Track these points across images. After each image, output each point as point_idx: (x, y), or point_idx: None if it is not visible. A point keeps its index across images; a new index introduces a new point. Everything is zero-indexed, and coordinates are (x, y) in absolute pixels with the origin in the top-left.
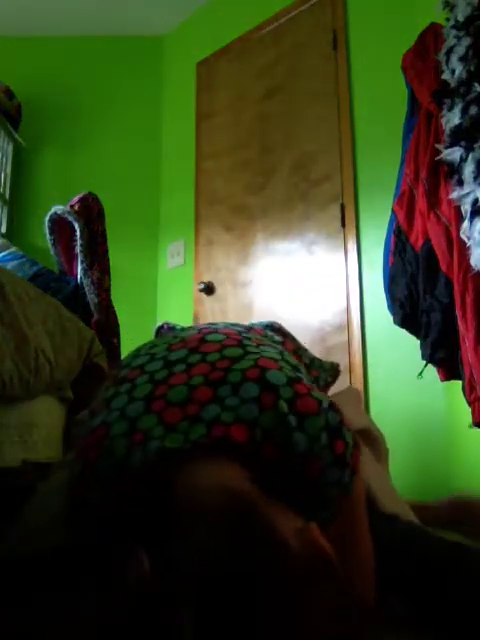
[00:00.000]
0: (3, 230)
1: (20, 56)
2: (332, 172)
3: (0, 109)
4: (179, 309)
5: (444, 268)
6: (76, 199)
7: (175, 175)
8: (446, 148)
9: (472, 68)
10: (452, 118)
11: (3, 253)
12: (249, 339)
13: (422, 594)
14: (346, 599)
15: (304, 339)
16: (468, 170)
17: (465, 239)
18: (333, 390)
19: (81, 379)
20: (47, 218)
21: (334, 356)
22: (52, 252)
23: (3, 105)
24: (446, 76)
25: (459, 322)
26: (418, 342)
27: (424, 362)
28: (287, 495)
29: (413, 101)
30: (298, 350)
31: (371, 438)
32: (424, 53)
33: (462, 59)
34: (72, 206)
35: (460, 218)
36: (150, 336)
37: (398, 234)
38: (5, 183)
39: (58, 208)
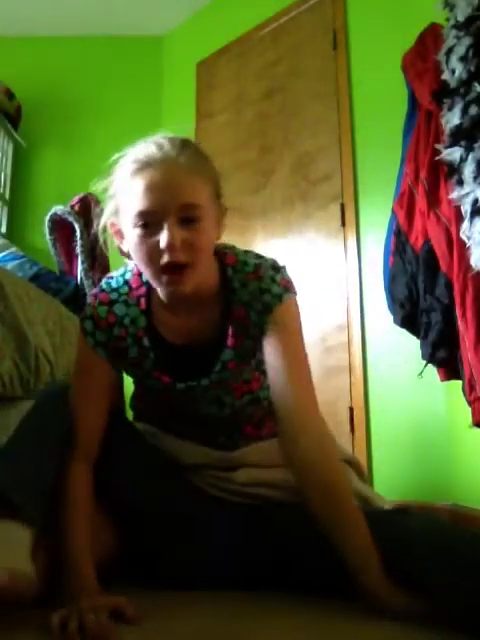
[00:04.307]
0: (3, 230)
1: (20, 56)
2: (332, 172)
3: (0, 109)
4: None
5: (444, 268)
6: (76, 199)
7: None
8: (446, 148)
9: (472, 68)
10: (452, 118)
11: (3, 253)
12: None
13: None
14: None
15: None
16: (468, 170)
17: (465, 239)
18: None
19: None
20: (47, 218)
21: (334, 356)
22: (52, 252)
23: (3, 105)
24: (446, 76)
25: (459, 322)
26: (418, 342)
27: (424, 362)
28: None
29: (413, 101)
30: None
31: (354, 463)
32: (424, 53)
33: (462, 59)
34: (72, 206)
35: (460, 218)
36: None
37: (398, 234)
38: (5, 183)
39: (58, 208)
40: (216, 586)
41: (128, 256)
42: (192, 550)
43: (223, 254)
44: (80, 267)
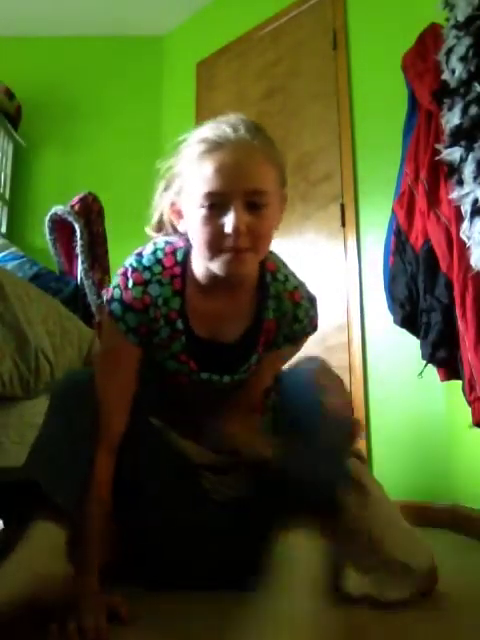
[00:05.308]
0: (3, 230)
1: (20, 56)
2: (332, 172)
3: (0, 109)
4: None
5: (444, 268)
6: (76, 199)
7: None
8: (446, 148)
9: (472, 68)
10: (452, 118)
11: (3, 253)
12: None
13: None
14: None
15: None
16: (468, 170)
17: (465, 239)
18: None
19: None
20: (47, 218)
21: (334, 356)
22: (52, 252)
23: (3, 105)
24: (446, 76)
25: (459, 322)
26: (418, 342)
27: (424, 362)
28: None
29: (413, 101)
30: None
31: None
32: (424, 53)
33: (462, 59)
34: (72, 206)
35: (460, 218)
36: None
37: (398, 234)
38: (5, 183)
39: (58, 208)
40: (217, 586)
41: (168, 235)
42: (193, 550)
43: None
44: (80, 267)
